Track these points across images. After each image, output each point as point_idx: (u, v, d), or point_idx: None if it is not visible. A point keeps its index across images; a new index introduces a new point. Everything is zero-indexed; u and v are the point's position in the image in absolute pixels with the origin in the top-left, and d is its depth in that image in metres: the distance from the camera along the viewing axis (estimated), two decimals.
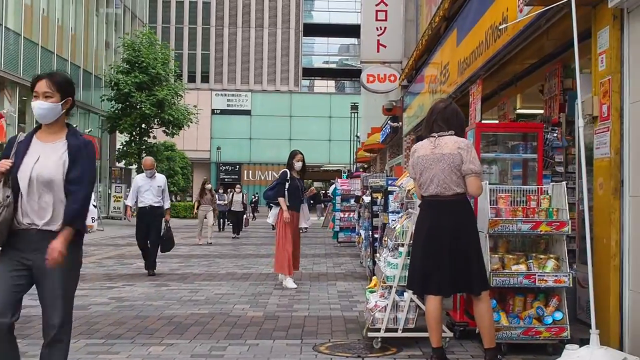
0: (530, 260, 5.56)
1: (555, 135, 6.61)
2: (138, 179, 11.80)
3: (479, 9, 8.60)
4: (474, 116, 8.15)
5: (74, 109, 24.39)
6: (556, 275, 5.40)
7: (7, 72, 25.01)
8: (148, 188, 11.48)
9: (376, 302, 5.94)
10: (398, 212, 7.14)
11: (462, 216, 5.03)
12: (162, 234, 11.48)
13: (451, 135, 5.16)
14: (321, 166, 61.77)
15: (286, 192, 10.09)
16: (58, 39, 29.93)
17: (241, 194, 23.54)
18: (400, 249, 5.85)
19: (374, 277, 6.65)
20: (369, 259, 10.61)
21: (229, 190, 25.55)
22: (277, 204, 10.22)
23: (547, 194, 5.75)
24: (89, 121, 34.06)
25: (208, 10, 60.93)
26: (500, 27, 6.90)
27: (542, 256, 5.59)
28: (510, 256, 5.59)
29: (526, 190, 5.82)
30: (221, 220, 26.73)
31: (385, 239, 6.98)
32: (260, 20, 60.96)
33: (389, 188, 8.30)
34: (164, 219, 11.59)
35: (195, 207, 20.20)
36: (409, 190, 6.12)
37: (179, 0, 61.10)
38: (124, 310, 7.96)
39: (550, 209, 5.57)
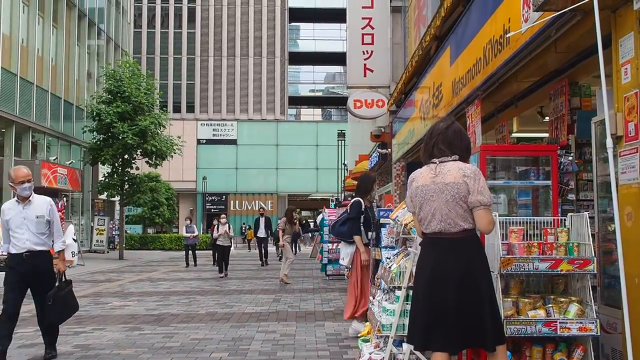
0: (550, 305, 4.78)
1: (570, 158, 5.88)
2: (5, 208, 7.20)
3: (475, 23, 7.92)
4: (474, 140, 7.44)
5: (55, 140, 23.56)
6: (581, 322, 4.62)
7: None
8: (21, 221, 7.02)
9: (370, 354, 5.14)
10: (392, 248, 6.37)
11: (471, 257, 4.21)
12: (51, 294, 6.97)
13: (455, 160, 4.36)
14: (308, 195, 61.16)
15: (362, 228, 8.47)
16: (38, 69, 29.15)
17: (227, 225, 20.11)
18: (398, 292, 5.07)
19: (367, 324, 5.85)
20: None
21: (216, 220, 21.65)
22: (351, 242, 8.48)
23: (565, 226, 5.00)
24: (71, 153, 33.21)
25: (193, 40, 60.48)
26: (508, 35, 6.18)
27: (562, 299, 4.81)
28: (526, 300, 4.80)
29: (541, 222, 5.05)
30: (188, 254, 24.50)
31: (378, 278, 6.20)
32: (245, 50, 60.55)
33: (381, 220, 7.54)
34: (55, 269, 7.20)
35: (281, 238, 17.14)
36: (406, 225, 5.34)
37: (163, 30, 60.63)
38: None
39: (570, 244, 4.81)
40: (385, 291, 5.39)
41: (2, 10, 25.68)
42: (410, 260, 5.05)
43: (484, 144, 6.42)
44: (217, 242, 19.84)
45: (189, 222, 24.97)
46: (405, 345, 4.99)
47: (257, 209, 55.05)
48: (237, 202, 57.06)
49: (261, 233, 24.58)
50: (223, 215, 20.95)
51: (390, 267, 5.32)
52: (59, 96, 31.46)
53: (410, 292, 4.68)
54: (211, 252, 25.76)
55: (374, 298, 5.88)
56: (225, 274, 19.04)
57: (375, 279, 6.65)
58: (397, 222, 5.57)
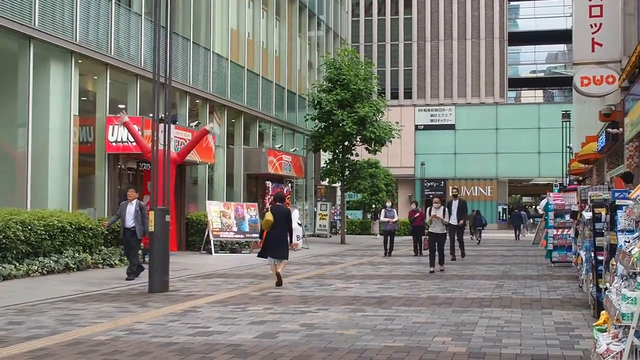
0: None
1: None
2: None
3: None
4: None
5: (280, 128, 25.19)
6: None
7: (215, 96, 25.92)
8: None
9: (608, 345, 4.71)
10: (631, 232, 5.82)
11: None
12: None
13: None
14: (530, 180, 58.94)
15: None
16: (263, 61, 30.71)
17: (441, 209, 16.00)
18: (639, 278, 4.60)
19: (603, 312, 5.40)
20: (591, 285, 9.16)
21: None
22: None
23: None
24: (295, 141, 34.67)
25: (409, 25, 60.65)
26: None
27: None
28: None
29: None
30: (387, 241, 21.51)
31: (613, 263, 5.70)
32: (463, 32, 59.55)
33: (617, 202, 6.93)
34: None
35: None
36: None
37: (380, 17, 61.39)
38: (312, 340, 7.29)
39: None
40: (624, 277, 4.93)
41: (230, 6, 27.39)
42: None
43: None
44: (430, 230, 16.24)
45: (389, 204, 22.71)
46: None
47: (476, 194, 54.12)
48: (455, 187, 56.36)
49: (453, 220, 18.87)
50: (436, 199, 16.49)
51: (630, 251, 4.85)
52: (283, 86, 32.93)
53: None
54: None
55: (610, 285, 5.42)
56: (441, 268, 15.95)
57: (610, 265, 6.14)
58: (639, 203, 5.08)
